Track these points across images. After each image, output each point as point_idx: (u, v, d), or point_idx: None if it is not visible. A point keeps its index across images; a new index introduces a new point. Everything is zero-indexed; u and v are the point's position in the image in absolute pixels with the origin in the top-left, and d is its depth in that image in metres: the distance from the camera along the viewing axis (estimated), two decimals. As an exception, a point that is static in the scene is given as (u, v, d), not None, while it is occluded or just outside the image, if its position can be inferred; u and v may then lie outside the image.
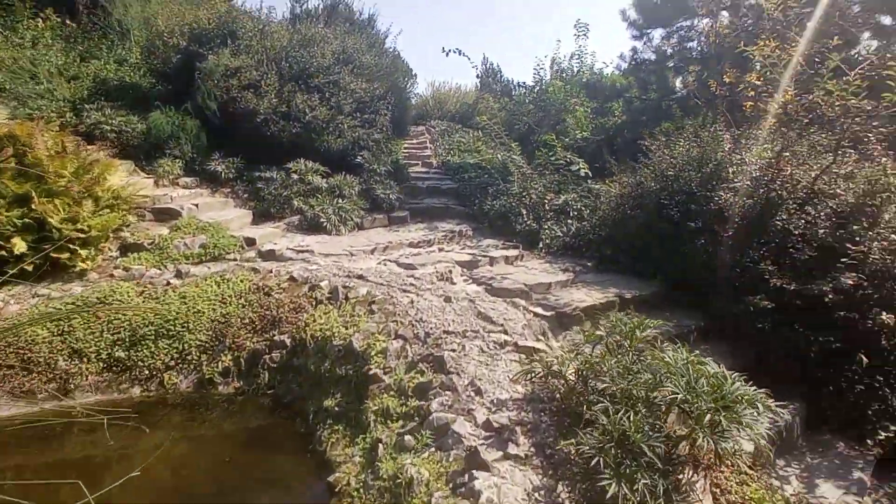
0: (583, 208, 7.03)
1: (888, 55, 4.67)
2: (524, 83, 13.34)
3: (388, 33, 14.40)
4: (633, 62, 12.63)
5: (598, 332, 3.10)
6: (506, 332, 4.14)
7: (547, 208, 7.06)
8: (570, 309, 4.84)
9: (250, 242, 6.24)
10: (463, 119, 14.18)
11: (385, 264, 5.94)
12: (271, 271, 5.32)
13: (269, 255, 5.95)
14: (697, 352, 3.03)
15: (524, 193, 7.43)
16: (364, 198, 7.89)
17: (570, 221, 6.87)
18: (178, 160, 7.47)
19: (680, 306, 5.42)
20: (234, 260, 5.81)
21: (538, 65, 13.68)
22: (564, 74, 13.52)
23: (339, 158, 8.39)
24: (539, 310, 4.88)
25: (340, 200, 7.45)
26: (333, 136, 8.38)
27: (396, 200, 8.16)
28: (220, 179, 7.65)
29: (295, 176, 7.56)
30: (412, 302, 4.54)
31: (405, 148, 12.04)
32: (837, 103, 4.18)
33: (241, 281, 5.06)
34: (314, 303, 4.74)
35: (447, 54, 9.16)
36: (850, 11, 8.43)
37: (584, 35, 13.26)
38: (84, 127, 7.11)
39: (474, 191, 8.50)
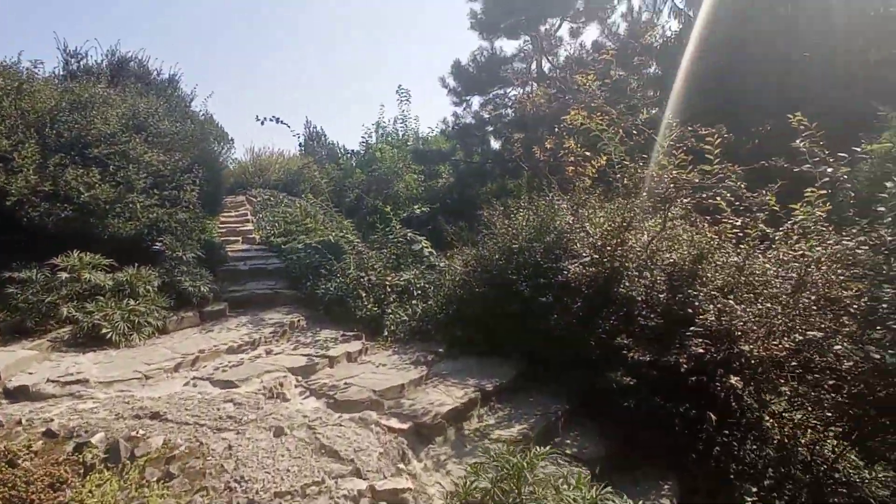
0: (427, 286, 6.47)
1: (703, 132, 5.02)
2: (353, 150, 12.97)
3: (194, 95, 13.07)
4: (456, 126, 13.05)
5: (482, 485, 2.41)
6: (359, 474, 3.25)
7: (388, 290, 6.35)
8: (430, 417, 4.12)
9: (-12, 379, 4.46)
10: (287, 187, 13.12)
11: (195, 385, 4.63)
12: (19, 422, 3.72)
13: (20, 394, 4.25)
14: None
15: (362, 274, 6.66)
16: (167, 293, 6.35)
17: (414, 302, 6.23)
18: None
19: (543, 386, 5.05)
20: (-42, 411, 4.03)
21: (366, 132, 13.47)
22: (391, 139, 13.45)
23: (131, 247, 6.75)
24: (394, 422, 4.08)
25: (132, 301, 5.85)
26: (122, 220, 6.79)
27: (210, 292, 6.74)
28: (-55, 287, 5.60)
29: (64, 274, 5.80)
30: (230, 448, 3.41)
31: (223, 222, 10.61)
32: (667, 177, 4.27)
33: (-37, 450, 3.41)
34: (83, 470, 3.30)
35: (262, 123, 8.20)
36: (630, 86, 9.90)
37: (407, 100, 13.49)
38: None
39: (305, 271, 7.47)
